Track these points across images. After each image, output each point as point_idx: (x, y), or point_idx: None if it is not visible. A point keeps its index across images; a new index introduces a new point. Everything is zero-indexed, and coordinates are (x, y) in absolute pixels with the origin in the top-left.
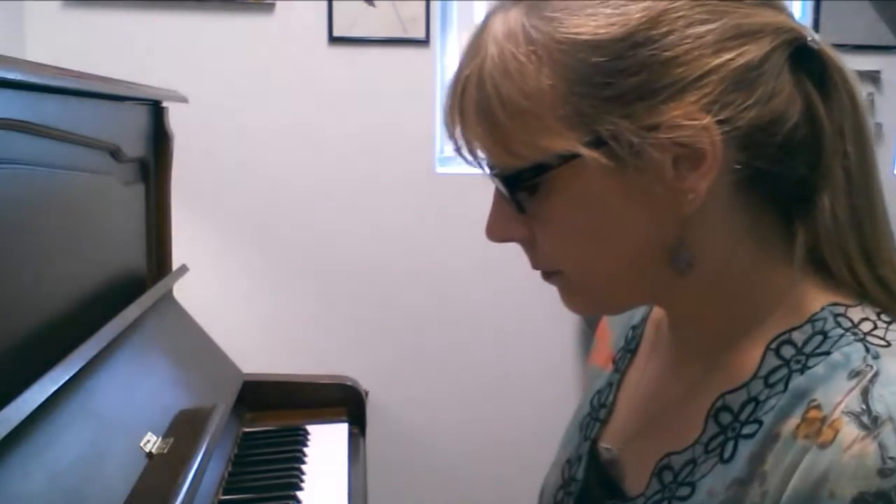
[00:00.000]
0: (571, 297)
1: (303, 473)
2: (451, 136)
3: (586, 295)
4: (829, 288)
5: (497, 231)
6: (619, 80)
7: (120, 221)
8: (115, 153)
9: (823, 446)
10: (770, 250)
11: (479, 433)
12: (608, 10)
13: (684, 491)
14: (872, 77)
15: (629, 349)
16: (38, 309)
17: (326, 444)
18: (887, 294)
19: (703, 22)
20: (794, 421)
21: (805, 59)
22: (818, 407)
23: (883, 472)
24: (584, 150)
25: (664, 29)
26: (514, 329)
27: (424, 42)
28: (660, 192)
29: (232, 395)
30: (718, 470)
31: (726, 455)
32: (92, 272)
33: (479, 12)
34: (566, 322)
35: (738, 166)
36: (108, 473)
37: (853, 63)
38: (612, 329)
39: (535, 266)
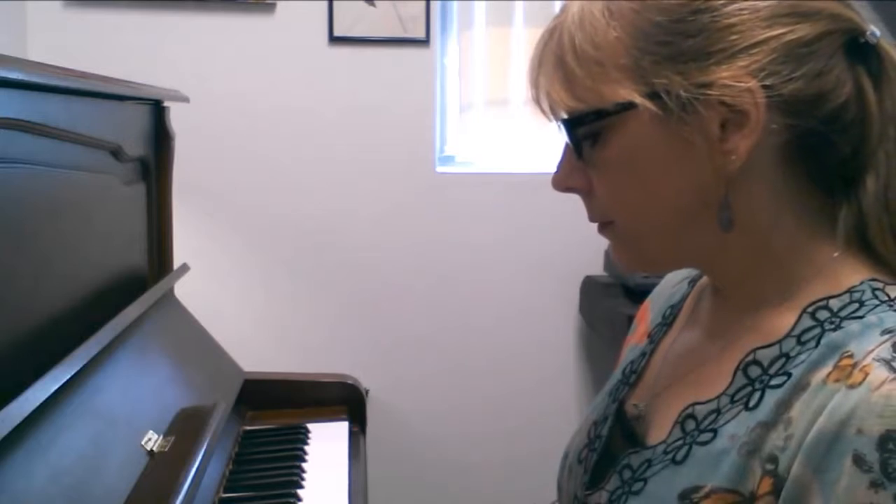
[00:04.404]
0: (621, 250)
1: (303, 471)
2: (533, 83)
3: (635, 248)
4: (870, 265)
5: (561, 179)
6: (678, 40)
7: (121, 220)
8: (117, 152)
9: (852, 387)
10: (812, 223)
11: (479, 431)
12: None
13: (706, 437)
14: None
15: (665, 323)
16: (39, 308)
17: (327, 443)
18: None
19: None
20: (825, 370)
21: (863, 50)
22: (850, 356)
23: None
24: (638, 100)
25: None
26: (514, 327)
27: (424, 42)
28: (704, 148)
29: (233, 394)
30: (742, 416)
31: (752, 403)
32: (93, 271)
33: (480, 12)
34: (567, 320)
35: (777, 128)
36: (110, 471)
37: None
38: (652, 310)
39: (591, 218)
